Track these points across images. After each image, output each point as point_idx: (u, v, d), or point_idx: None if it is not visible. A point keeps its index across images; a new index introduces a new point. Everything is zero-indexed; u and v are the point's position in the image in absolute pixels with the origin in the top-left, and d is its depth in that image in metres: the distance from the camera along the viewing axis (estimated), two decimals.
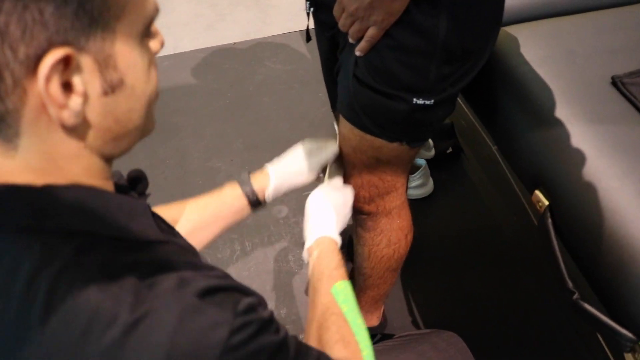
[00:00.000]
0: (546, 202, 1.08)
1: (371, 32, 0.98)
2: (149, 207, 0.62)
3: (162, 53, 2.74)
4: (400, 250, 1.37)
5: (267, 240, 1.96)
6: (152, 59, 0.57)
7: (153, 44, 0.58)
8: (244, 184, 1.09)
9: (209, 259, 1.88)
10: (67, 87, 0.48)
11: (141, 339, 0.47)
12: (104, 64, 0.50)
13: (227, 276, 0.58)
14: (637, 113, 1.09)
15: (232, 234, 1.97)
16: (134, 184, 0.67)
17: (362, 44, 1.00)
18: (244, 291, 0.57)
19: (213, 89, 2.61)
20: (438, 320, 1.69)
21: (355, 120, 1.12)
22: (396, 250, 1.36)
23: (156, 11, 0.55)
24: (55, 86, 0.47)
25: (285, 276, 1.85)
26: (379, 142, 1.12)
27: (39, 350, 0.47)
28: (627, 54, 1.22)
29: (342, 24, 1.01)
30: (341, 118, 1.17)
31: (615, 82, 1.15)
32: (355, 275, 1.52)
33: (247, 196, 1.08)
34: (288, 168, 1.13)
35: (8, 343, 0.48)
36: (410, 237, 1.38)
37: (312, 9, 1.20)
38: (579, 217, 1.02)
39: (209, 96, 2.57)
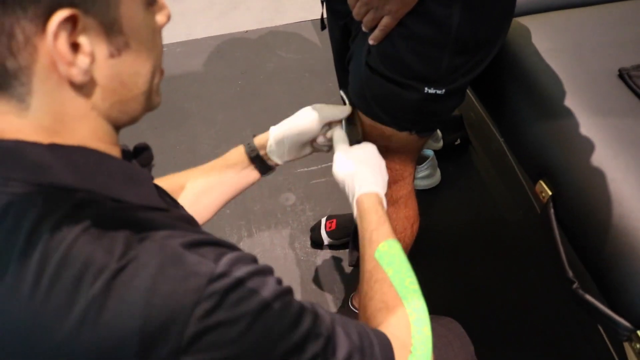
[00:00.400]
0: (549, 192, 1.09)
1: (385, 21, 0.98)
2: (152, 177, 0.64)
3: (176, 39, 2.77)
4: (405, 239, 1.37)
5: (273, 227, 1.98)
6: (157, 28, 0.60)
7: (159, 17, 0.60)
8: (246, 141, 1.10)
9: None
10: (76, 47, 0.51)
11: (124, 285, 0.49)
12: (110, 27, 0.53)
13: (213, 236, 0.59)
14: None
15: (239, 220, 1.99)
16: (138, 154, 0.69)
17: (376, 33, 1.01)
18: (230, 246, 0.58)
19: (224, 76, 2.62)
20: (441, 309, 1.69)
21: (366, 109, 1.13)
22: (402, 239, 1.36)
23: None
24: (62, 43, 0.50)
25: (290, 263, 1.86)
26: (389, 130, 1.13)
27: (37, 295, 0.49)
28: (634, 47, 1.22)
29: (356, 12, 1.02)
30: None
31: (622, 75, 1.16)
32: (360, 263, 1.54)
33: (248, 154, 1.08)
34: (290, 122, 1.10)
35: (10, 288, 0.50)
36: (416, 226, 1.38)
37: None
38: (581, 207, 1.03)
39: (220, 83, 2.58)
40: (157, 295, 0.50)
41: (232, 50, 2.77)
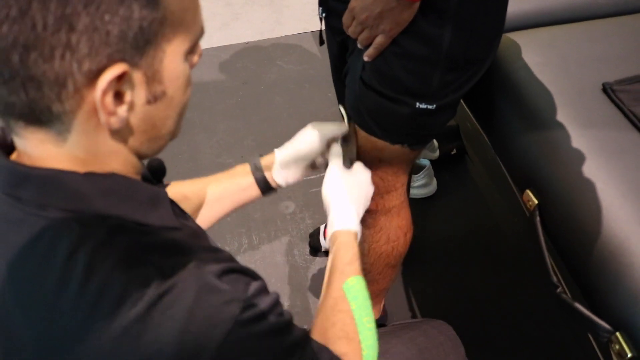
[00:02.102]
0: (536, 201, 1.13)
1: (379, 39, 1.03)
2: (166, 194, 0.68)
3: None
4: (399, 247, 1.41)
5: (273, 234, 2.02)
6: (190, 75, 0.63)
7: (193, 56, 0.63)
8: (252, 161, 1.12)
9: None
10: (118, 96, 0.54)
11: (162, 311, 0.54)
12: (152, 78, 0.56)
13: (234, 260, 0.65)
14: (624, 119, 1.14)
15: (240, 227, 2.03)
16: (155, 174, 0.74)
17: (370, 51, 1.05)
18: (253, 275, 0.64)
19: (226, 86, 2.67)
20: (437, 315, 1.74)
21: (360, 122, 1.18)
22: (395, 248, 1.40)
23: (202, 33, 0.61)
24: (109, 97, 0.53)
25: (290, 270, 1.90)
26: (381, 143, 1.18)
27: (76, 317, 0.54)
28: (617, 62, 1.27)
29: (352, 31, 1.06)
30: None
31: (606, 89, 1.20)
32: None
33: (254, 173, 1.10)
34: (293, 145, 1.13)
35: (47, 310, 0.55)
36: (409, 235, 1.42)
37: (324, 14, 1.26)
38: (565, 215, 1.07)
39: (221, 93, 2.62)
40: (194, 323, 0.55)
41: (233, 61, 2.81)
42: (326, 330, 0.84)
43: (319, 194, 2.12)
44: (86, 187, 0.57)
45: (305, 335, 0.68)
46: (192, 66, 0.63)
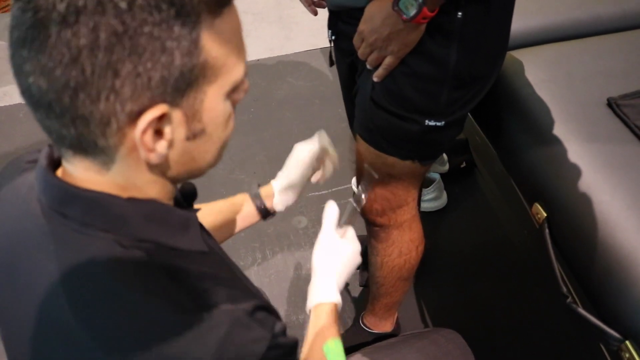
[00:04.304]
0: (544, 214, 1.15)
1: (388, 60, 1.06)
2: (197, 219, 0.71)
3: None
4: (411, 260, 1.44)
5: (286, 249, 2.04)
6: (232, 112, 0.65)
7: (237, 94, 0.64)
8: (253, 192, 1.15)
9: None
10: (158, 133, 0.57)
11: (196, 338, 0.57)
12: (191, 117, 0.59)
13: (261, 295, 0.70)
14: (629, 133, 1.17)
15: (254, 242, 2.06)
16: (187, 198, 0.77)
17: (380, 71, 1.09)
18: (277, 315, 0.68)
19: (238, 103, 2.68)
20: (448, 326, 1.75)
21: (371, 140, 1.21)
22: (407, 261, 1.43)
23: (245, 76, 0.63)
24: (148, 136, 0.56)
25: (303, 284, 1.91)
26: (392, 159, 1.21)
27: (112, 336, 0.58)
28: (621, 77, 1.29)
29: (361, 52, 1.10)
30: (358, 137, 1.26)
31: (610, 104, 1.23)
32: (369, 284, 1.60)
33: (255, 203, 1.14)
34: (285, 172, 1.15)
35: (85, 320, 0.58)
36: (421, 248, 1.45)
37: (333, 37, 1.30)
38: (573, 227, 1.09)
39: None
40: (225, 353, 0.58)
41: None
42: None
43: None
44: (128, 211, 0.61)
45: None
46: (235, 103, 0.65)
